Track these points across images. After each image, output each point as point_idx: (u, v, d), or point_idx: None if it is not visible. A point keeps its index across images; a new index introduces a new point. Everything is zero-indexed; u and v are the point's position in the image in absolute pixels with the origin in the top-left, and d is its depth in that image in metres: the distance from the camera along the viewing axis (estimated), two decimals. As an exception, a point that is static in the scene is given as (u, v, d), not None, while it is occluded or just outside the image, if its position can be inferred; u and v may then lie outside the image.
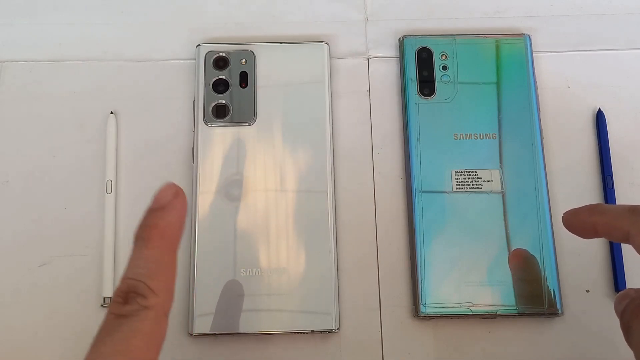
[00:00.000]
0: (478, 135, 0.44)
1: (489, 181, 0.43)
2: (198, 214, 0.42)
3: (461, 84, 0.45)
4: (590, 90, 0.47)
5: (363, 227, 0.43)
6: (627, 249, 0.38)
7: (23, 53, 0.48)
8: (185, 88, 0.46)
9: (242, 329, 0.40)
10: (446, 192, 0.43)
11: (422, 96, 0.45)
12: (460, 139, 0.44)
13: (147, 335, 0.28)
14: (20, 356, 0.41)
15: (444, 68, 0.45)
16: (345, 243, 0.43)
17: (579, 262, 0.43)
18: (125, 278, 0.29)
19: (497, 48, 0.46)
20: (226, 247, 0.41)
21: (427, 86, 0.45)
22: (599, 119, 0.45)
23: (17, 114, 0.46)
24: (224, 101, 0.44)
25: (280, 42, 0.46)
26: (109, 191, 0.43)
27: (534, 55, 0.46)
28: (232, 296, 0.40)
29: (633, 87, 0.47)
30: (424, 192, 0.43)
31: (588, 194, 0.44)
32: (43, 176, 0.44)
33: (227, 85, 0.45)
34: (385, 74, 0.47)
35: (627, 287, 0.41)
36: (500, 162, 0.43)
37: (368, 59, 0.48)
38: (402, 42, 0.47)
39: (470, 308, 0.40)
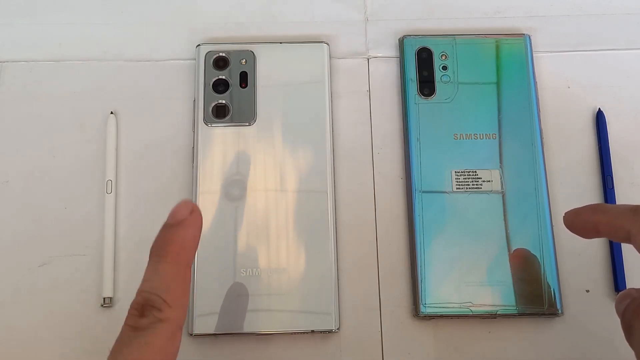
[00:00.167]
0: (478, 135, 0.44)
1: (489, 181, 0.43)
2: (198, 214, 0.42)
3: (461, 84, 0.45)
4: (590, 90, 0.47)
5: (363, 227, 0.43)
6: (627, 249, 0.38)
7: (23, 53, 0.48)
8: (185, 88, 0.46)
9: (242, 329, 0.40)
10: (446, 192, 0.43)
11: (422, 96, 0.45)
12: (460, 139, 0.44)
13: (162, 348, 0.29)
14: (20, 356, 0.41)
15: (444, 68, 0.46)
16: (345, 243, 0.43)
17: (579, 262, 0.43)
18: (141, 291, 0.30)
19: (497, 48, 0.46)
20: (226, 247, 0.41)
21: (427, 86, 0.45)
22: (599, 119, 0.45)
23: (17, 114, 0.46)
24: (224, 101, 0.44)
25: (280, 42, 0.46)
26: (109, 191, 0.43)
27: (534, 55, 0.46)
28: (232, 296, 0.40)
29: (633, 87, 0.47)
30: (424, 192, 0.43)
31: (588, 194, 0.44)
32: (43, 176, 0.44)
33: (227, 85, 0.45)
34: (385, 74, 0.47)
35: (627, 287, 0.41)
36: (500, 162, 0.43)
37: (368, 59, 0.48)
38: (402, 42, 0.47)
39: (470, 308, 0.40)
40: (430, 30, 0.48)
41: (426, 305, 0.40)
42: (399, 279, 0.42)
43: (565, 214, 0.35)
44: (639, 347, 0.31)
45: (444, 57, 0.46)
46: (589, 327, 0.41)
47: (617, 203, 0.43)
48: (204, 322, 0.40)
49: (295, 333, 0.40)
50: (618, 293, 0.39)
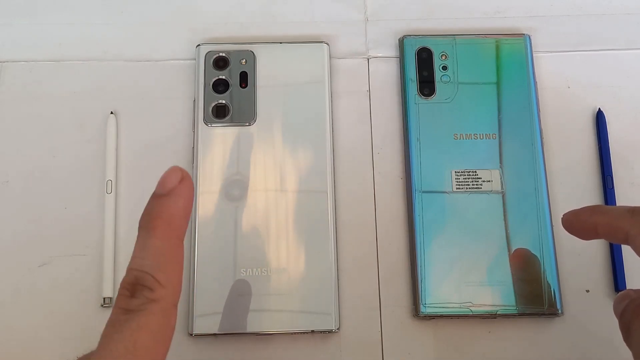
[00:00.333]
0: (478, 135, 0.44)
1: (489, 181, 0.43)
2: (198, 214, 0.42)
3: (461, 84, 0.45)
4: (590, 90, 0.47)
5: (363, 227, 0.43)
6: (627, 249, 0.38)
7: (23, 53, 0.48)
8: (185, 88, 0.46)
9: (242, 329, 0.40)
10: (446, 192, 0.43)
11: (422, 96, 0.45)
12: (460, 139, 0.44)
13: (156, 330, 0.27)
14: (20, 356, 0.41)
15: (444, 68, 0.45)
16: (345, 243, 0.43)
17: (579, 262, 0.43)
18: (130, 269, 0.28)
19: (497, 48, 0.46)
20: (226, 247, 0.41)
21: (427, 86, 0.45)
22: (599, 119, 0.45)
23: (17, 114, 0.46)
24: (224, 101, 0.44)
25: (280, 42, 0.46)
26: (109, 191, 0.43)
27: (534, 55, 0.46)
28: (233, 296, 0.40)
29: (633, 87, 0.47)
30: (424, 192, 0.43)
31: (588, 194, 0.44)
32: (43, 176, 0.44)
33: (227, 85, 0.45)
34: (385, 74, 0.47)
35: (627, 287, 0.42)
36: (500, 162, 0.43)
37: (368, 59, 0.48)
38: (402, 42, 0.47)
39: (470, 308, 0.40)
40: (430, 30, 0.48)
41: (426, 305, 0.40)
42: (399, 279, 0.42)
43: (563, 215, 0.35)
44: (637, 347, 0.31)
45: (444, 57, 0.46)
46: (589, 327, 0.41)
47: (617, 203, 0.43)
48: (204, 322, 0.40)
49: (295, 333, 0.40)
50: (618, 293, 0.39)
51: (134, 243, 0.30)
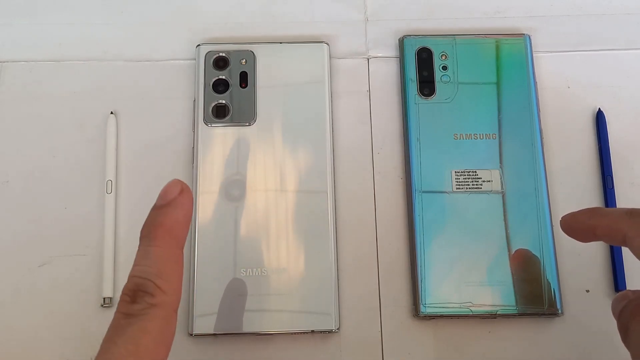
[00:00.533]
0: (478, 135, 0.44)
1: (489, 181, 0.43)
2: (198, 214, 0.42)
3: (461, 84, 0.45)
4: (590, 90, 0.47)
5: (363, 227, 0.43)
6: (627, 250, 0.38)
7: (23, 53, 0.48)
8: (185, 88, 0.46)
9: (242, 329, 0.40)
10: (446, 192, 0.43)
11: (422, 96, 0.45)
12: (460, 139, 0.44)
13: (157, 334, 0.28)
14: (20, 356, 0.41)
15: (444, 68, 0.45)
16: (345, 243, 0.43)
17: (579, 262, 0.43)
18: (132, 276, 0.29)
19: (497, 48, 0.46)
20: (226, 247, 0.41)
21: (427, 86, 0.45)
22: (599, 119, 0.45)
23: (17, 114, 0.46)
24: (224, 101, 0.44)
25: (280, 42, 0.46)
26: (109, 191, 0.43)
27: (534, 55, 0.46)
28: (232, 296, 0.40)
29: (633, 87, 0.47)
30: (424, 192, 0.43)
31: (588, 194, 0.44)
32: (43, 176, 0.44)
33: (227, 85, 0.45)
34: (385, 74, 0.47)
35: (627, 287, 0.42)
36: (500, 162, 0.43)
37: (368, 59, 0.48)
38: (402, 42, 0.47)
39: (470, 308, 0.40)
40: (430, 30, 0.48)
41: (426, 305, 0.40)
42: (399, 279, 0.42)
43: (562, 218, 0.35)
44: (635, 348, 0.31)
45: (444, 57, 0.46)
46: (589, 327, 0.41)
47: (617, 203, 0.43)
48: (204, 322, 0.40)
49: (295, 333, 0.40)
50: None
51: (134, 243, 0.30)
